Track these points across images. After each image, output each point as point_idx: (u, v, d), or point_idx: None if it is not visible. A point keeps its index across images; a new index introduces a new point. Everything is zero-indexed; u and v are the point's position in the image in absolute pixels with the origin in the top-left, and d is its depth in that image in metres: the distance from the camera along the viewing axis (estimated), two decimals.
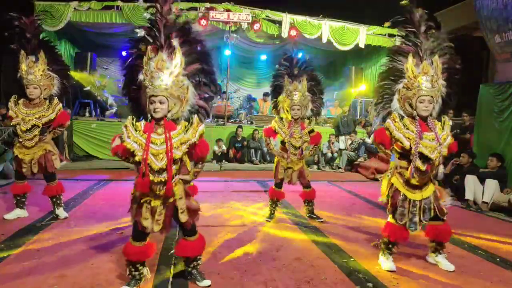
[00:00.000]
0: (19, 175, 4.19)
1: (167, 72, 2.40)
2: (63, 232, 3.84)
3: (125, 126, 2.47)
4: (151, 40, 2.48)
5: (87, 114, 9.92)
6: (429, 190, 3.10)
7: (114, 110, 10.51)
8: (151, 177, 2.42)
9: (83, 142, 9.07)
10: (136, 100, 2.61)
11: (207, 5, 10.18)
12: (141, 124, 2.49)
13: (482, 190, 5.75)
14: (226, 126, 10.22)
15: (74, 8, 9.42)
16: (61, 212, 4.32)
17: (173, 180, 2.51)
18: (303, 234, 4.10)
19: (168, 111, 2.45)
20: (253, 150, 9.74)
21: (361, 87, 12.33)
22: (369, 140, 9.73)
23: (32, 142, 4.00)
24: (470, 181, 5.85)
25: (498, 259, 3.56)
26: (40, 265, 3.02)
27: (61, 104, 4.18)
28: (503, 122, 6.69)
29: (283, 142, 4.41)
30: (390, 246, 3.20)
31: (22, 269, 2.93)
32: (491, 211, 5.62)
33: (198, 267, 2.82)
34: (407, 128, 2.97)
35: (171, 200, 2.55)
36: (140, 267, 2.66)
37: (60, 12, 9.31)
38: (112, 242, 3.59)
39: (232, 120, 11.09)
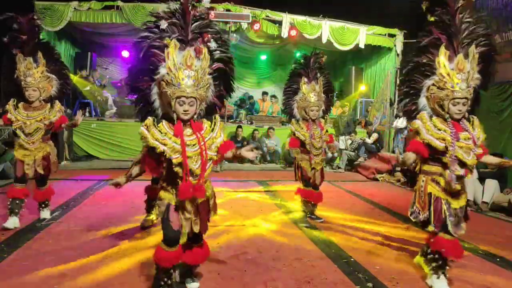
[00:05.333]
0: (19, 178, 3.98)
1: (197, 71, 2.25)
2: (63, 232, 3.84)
3: (147, 127, 2.28)
4: (176, 33, 2.30)
5: (87, 114, 9.92)
6: (465, 198, 2.80)
7: (114, 110, 10.52)
8: (192, 181, 2.32)
9: (83, 142, 9.07)
10: (144, 95, 2.40)
11: (207, 5, 10.18)
12: (164, 125, 2.31)
13: (482, 190, 5.75)
14: (226, 126, 10.21)
15: (74, 8, 9.41)
16: (45, 213, 4.24)
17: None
18: (303, 234, 4.10)
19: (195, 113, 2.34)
20: None
21: (361, 87, 12.34)
22: (369, 140, 9.73)
23: (35, 146, 3.92)
24: (470, 181, 5.84)
25: (498, 259, 3.56)
26: (40, 265, 3.02)
27: (62, 107, 4.13)
28: (503, 122, 6.69)
29: (303, 144, 4.39)
30: (442, 262, 2.79)
31: (22, 269, 2.93)
32: (491, 211, 5.62)
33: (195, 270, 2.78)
34: (439, 129, 2.64)
35: (203, 199, 2.47)
36: (172, 272, 2.50)
37: (60, 12, 9.31)
38: (112, 242, 3.59)
39: (232, 120, 11.09)
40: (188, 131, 2.33)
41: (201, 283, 2.77)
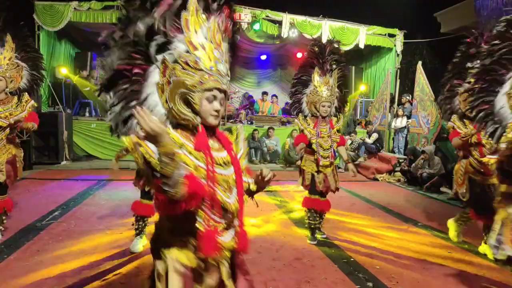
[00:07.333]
0: None
1: (225, 53, 1.48)
2: (63, 232, 3.84)
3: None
4: None
5: (87, 114, 9.93)
6: None
7: None
8: (220, 224, 1.42)
9: (83, 142, 9.07)
10: (130, 87, 1.40)
11: None
12: (177, 133, 1.41)
13: None
14: (226, 126, 10.22)
15: (74, 8, 9.42)
16: None
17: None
18: (303, 234, 4.10)
19: None
20: (253, 150, 9.74)
21: (361, 87, 12.34)
22: (369, 140, 9.73)
23: None
24: None
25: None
26: (40, 265, 3.02)
27: (32, 100, 3.54)
28: None
29: (309, 144, 3.86)
30: None
31: (22, 269, 2.93)
32: None
33: None
34: None
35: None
36: None
37: (60, 12, 9.32)
38: (112, 243, 3.59)
39: (232, 120, 11.10)
40: (213, 144, 1.47)
41: None
